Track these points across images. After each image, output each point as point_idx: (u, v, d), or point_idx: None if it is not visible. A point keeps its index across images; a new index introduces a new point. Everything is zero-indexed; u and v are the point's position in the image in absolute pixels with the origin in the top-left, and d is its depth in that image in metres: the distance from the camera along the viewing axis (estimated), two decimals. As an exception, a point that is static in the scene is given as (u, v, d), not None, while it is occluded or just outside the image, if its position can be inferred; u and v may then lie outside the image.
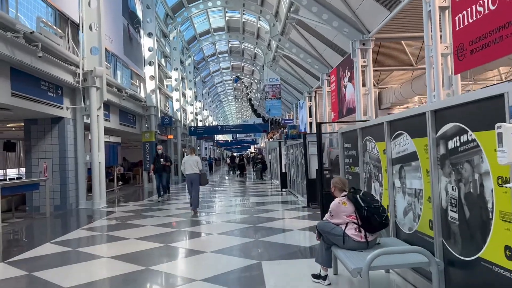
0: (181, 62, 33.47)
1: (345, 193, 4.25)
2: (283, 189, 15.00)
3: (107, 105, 15.64)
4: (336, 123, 25.40)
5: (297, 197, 12.37)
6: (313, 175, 10.42)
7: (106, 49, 15.70)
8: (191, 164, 10.16)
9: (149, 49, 20.74)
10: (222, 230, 7.68)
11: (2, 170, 21.46)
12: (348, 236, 3.96)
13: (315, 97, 32.56)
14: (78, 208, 12.27)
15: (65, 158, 11.99)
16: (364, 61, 18.14)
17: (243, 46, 41.05)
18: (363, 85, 18.51)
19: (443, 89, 11.60)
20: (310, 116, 32.68)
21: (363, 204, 3.93)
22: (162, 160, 13.01)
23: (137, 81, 21.30)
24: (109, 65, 15.74)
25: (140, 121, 20.52)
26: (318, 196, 9.75)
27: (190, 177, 10.18)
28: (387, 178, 4.73)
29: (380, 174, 5.09)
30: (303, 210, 10.05)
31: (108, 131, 16.73)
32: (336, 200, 4.22)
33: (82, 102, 12.40)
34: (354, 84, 19.62)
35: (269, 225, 8.06)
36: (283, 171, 15.34)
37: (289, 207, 10.74)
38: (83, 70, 12.23)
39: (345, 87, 22.12)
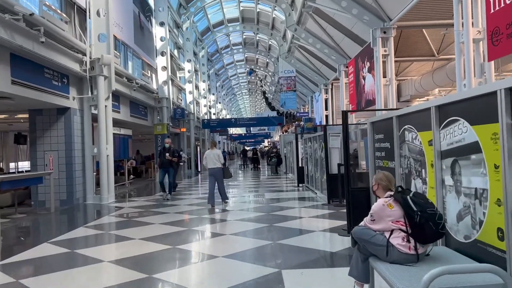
0: (195, 54, 32.80)
1: (391, 192, 3.46)
2: (300, 185, 14.24)
3: (117, 96, 15.06)
4: (354, 116, 24.49)
5: (316, 193, 11.59)
6: (334, 170, 9.62)
7: (115, 37, 15.10)
8: (212, 158, 10.01)
9: (161, 39, 20.08)
10: (235, 230, 6.96)
11: (14, 163, 21.17)
12: (392, 246, 3.18)
13: (332, 89, 31.59)
14: (85, 203, 11.71)
15: (72, 150, 11.41)
16: (385, 50, 17.20)
17: (257, 38, 40.17)
18: (384, 76, 17.63)
19: (474, 78, 10.74)
20: (326, 109, 31.72)
21: (415, 208, 3.13)
22: (168, 154, 11.51)
23: (149, 72, 20.69)
24: (118, 54, 15.13)
25: (152, 113, 19.92)
26: (344, 193, 8.95)
27: (212, 172, 10.07)
28: (434, 175, 3.93)
29: (423, 170, 4.29)
30: (323, 208, 9.28)
31: (118, 123, 16.17)
32: (380, 201, 3.43)
33: (90, 92, 11.78)
34: (374, 75, 18.69)
35: (286, 224, 7.31)
36: (300, 165, 14.55)
37: (307, 204, 9.97)
38: (90, 58, 11.61)
39: (364, 78, 21.17)
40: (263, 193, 12.96)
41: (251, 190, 14.15)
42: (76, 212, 10.40)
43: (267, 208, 9.59)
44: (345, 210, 8.64)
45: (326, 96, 31.64)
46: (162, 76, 19.96)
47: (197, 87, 32.87)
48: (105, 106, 12.04)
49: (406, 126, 4.67)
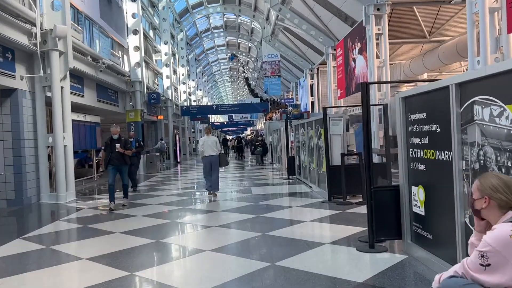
0: (172, 36, 30.67)
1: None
2: (291, 177, 12.65)
3: (80, 78, 13.13)
4: (342, 102, 22.96)
5: (311, 187, 10.01)
6: (336, 161, 8.04)
7: (75, 9, 13.10)
8: (210, 145, 9.49)
9: (133, 16, 18.03)
10: (215, 245, 5.27)
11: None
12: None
13: (318, 74, 30.06)
14: (39, 202, 9.85)
15: (21, 140, 9.49)
16: (378, 29, 15.70)
17: (239, 20, 38.16)
18: (377, 57, 16.17)
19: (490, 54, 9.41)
20: (312, 95, 30.20)
21: None
22: (118, 145, 8.26)
23: (120, 52, 18.67)
24: (80, 28, 13.12)
25: (123, 99, 17.97)
26: (365, 193, 7.37)
27: (210, 159, 9.47)
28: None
29: (518, 166, 2.70)
30: (324, 206, 7.69)
31: (83, 109, 14.25)
32: (504, 229, 1.80)
33: (41, 71, 9.84)
34: (367, 57, 17.17)
35: (283, 233, 5.67)
36: (290, 155, 12.94)
37: (303, 202, 8.36)
38: (41, 29, 9.66)
39: (354, 61, 19.63)
40: (249, 187, 11.31)
41: (234, 184, 12.46)
42: (20, 216, 8.55)
43: (255, 208, 7.94)
44: (352, 210, 7.17)
45: (312, 81, 30.08)
46: (135, 57, 17.97)
47: (175, 72, 30.82)
48: (62, 87, 10.13)
49: (477, 98, 3.06)
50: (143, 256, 4.88)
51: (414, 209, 4.26)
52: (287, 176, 12.86)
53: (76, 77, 12.82)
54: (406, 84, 25.94)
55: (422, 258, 4.08)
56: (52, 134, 9.93)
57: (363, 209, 7.06)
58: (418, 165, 4.11)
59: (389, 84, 15.96)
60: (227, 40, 45.27)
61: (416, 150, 4.12)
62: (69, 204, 9.54)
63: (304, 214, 7.25)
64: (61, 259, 4.92)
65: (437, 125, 3.67)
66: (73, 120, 13.32)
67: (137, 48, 17.99)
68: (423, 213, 4.06)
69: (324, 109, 8.04)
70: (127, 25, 18.14)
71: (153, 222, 6.90)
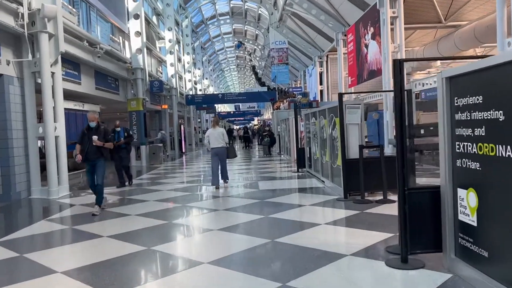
0: (177, 23, 29.71)
1: None
2: (300, 170, 11.81)
3: (77, 64, 12.34)
4: (353, 90, 21.99)
5: (323, 182, 9.16)
6: (353, 153, 7.18)
7: (69, -11, 12.26)
8: (216, 137, 9.33)
9: (134, -1, 17.13)
10: (215, 255, 4.46)
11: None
12: None
13: (327, 61, 29.01)
14: (30, 197, 9.13)
15: (8, 130, 8.74)
16: (393, 12, 14.74)
17: (246, 6, 37.08)
18: (392, 41, 15.21)
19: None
20: (321, 84, 29.19)
21: None
22: (96, 138, 6.67)
23: (121, 38, 17.83)
24: (75, 10, 12.27)
25: (124, 87, 17.16)
26: (385, 190, 6.60)
27: (216, 151, 9.34)
28: None
29: None
30: (340, 205, 6.85)
31: (80, 97, 13.49)
32: None
33: (30, 55, 9.03)
34: (380, 41, 16.17)
35: (295, 240, 4.83)
36: (300, 146, 12.09)
37: (316, 200, 7.51)
38: (29, 9, 8.83)
39: (366, 46, 18.62)
40: (256, 181, 10.49)
41: (240, 178, 11.64)
42: (7, 213, 7.83)
43: (262, 206, 7.13)
44: (373, 210, 6.23)
45: (321, 69, 29.04)
46: (136, 43, 17.09)
47: (180, 60, 29.92)
48: (53, 73, 9.34)
49: None
50: (129, 269, 4.10)
51: (461, 217, 3.41)
52: (296, 169, 12.02)
53: (72, 63, 12.03)
54: (418, 72, 24.90)
55: (473, 279, 3.24)
56: (43, 124, 9.15)
57: (385, 209, 6.23)
58: (468, 163, 3.24)
59: (404, 72, 15.00)
60: (233, 27, 44.20)
61: (466, 143, 3.26)
62: (61, 199, 8.81)
63: (317, 214, 6.41)
64: (34, 272, 4.15)
65: (500, 111, 2.80)
66: (69, 109, 12.64)
67: (138, 34, 17.11)
68: (474, 223, 3.21)
69: (340, 95, 7.15)
70: (127, 9, 17.25)
71: (147, 223, 6.11)
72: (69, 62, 11.85)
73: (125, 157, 10.40)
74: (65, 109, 12.27)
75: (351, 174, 7.12)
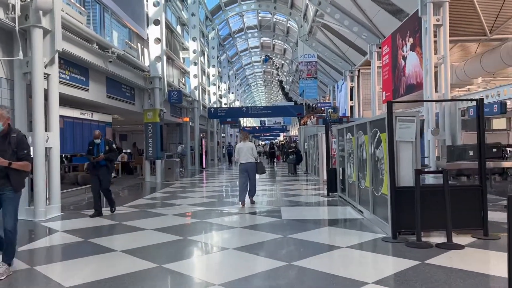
0: (203, 35, 28.79)
1: None
2: (331, 194, 10.12)
3: (85, 68, 11.21)
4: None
5: (361, 212, 7.45)
6: (404, 179, 5.50)
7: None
8: (245, 152, 9.08)
9: (155, 4, 16.06)
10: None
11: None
12: None
13: (359, 76, 27.35)
14: (14, 218, 7.81)
15: (-9, 139, 7.51)
16: (437, 20, 13.06)
17: (274, 19, 35.93)
18: (435, 52, 13.52)
19: None
20: (351, 99, 27.48)
21: None
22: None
23: (139, 45, 16.77)
24: (84, 9, 11.17)
25: (141, 97, 16.00)
26: (450, 229, 4.79)
27: (245, 167, 9.08)
28: None
29: None
30: (387, 250, 5.14)
31: (90, 106, 12.34)
32: None
33: (21, 53, 7.84)
34: (421, 53, 14.48)
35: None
36: (331, 166, 10.41)
37: (355, 240, 5.76)
38: (21, 0, 7.68)
39: (404, 59, 16.89)
40: (278, 207, 8.83)
41: (262, 201, 9.97)
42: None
43: (285, 246, 5.50)
44: (438, 260, 4.33)
45: (352, 84, 27.38)
46: (156, 50, 15.97)
47: (204, 71, 28.84)
48: (47, 75, 8.11)
49: None
50: None
51: None
52: (326, 192, 10.33)
53: (79, 67, 10.90)
54: (458, 89, 22.80)
55: None
56: (32, 133, 7.88)
57: (454, 259, 4.52)
58: None
59: (448, 83, 13.20)
60: (261, 41, 43.14)
61: None
62: (47, 223, 7.44)
63: (359, 265, 4.70)
64: None
65: None
66: (75, 118, 11.46)
67: (158, 40, 15.99)
68: None
69: (390, 104, 5.50)
70: (147, 14, 16.20)
71: (130, 266, 4.60)
72: (76, 66, 10.72)
73: (105, 177, 8.17)
74: (70, 118, 11.17)
75: (403, 207, 5.43)
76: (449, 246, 5.05)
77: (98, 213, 7.98)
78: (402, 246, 5.17)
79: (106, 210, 8.29)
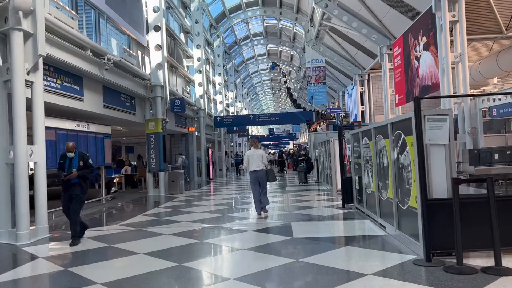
0: (208, 43, 28.17)
1: None
2: (346, 205, 9.19)
3: (78, 77, 10.51)
4: (401, 109, 19.34)
5: (383, 227, 6.52)
6: (438, 191, 4.59)
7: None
8: (255, 159, 8.83)
9: (154, 10, 15.41)
10: None
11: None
12: None
13: (369, 80, 26.45)
14: (-4, 241, 7.05)
15: (-33, 155, 6.77)
16: (453, 16, 12.17)
17: (280, 25, 35.25)
18: (451, 50, 12.64)
19: None
20: (362, 104, 26.53)
21: None
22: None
23: (139, 53, 16.10)
24: (75, 13, 10.49)
25: (143, 106, 15.27)
26: (498, 250, 3.91)
27: (256, 175, 8.83)
28: None
29: None
30: (420, 276, 4.22)
31: (86, 117, 11.63)
32: None
33: (0, 59, 7.12)
34: (436, 52, 13.57)
35: None
36: (347, 174, 9.49)
37: (379, 265, 4.82)
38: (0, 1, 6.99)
39: (417, 59, 15.96)
40: (288, 222, 7.93)
41: (271, 215, 9.06)
42: None
43: (296, 275, 4.60)
44: None
45: (362, 88, 26.46)
46: (156, 57, 15.27)
47: (209, 79, 28.15)
48: (31, 82, 7.38)
49: None
50: None
51: None
52: (341, 204, 9.39)
53: (72, 75, 10.19)
54: (473, 90, 21.73)
55: None
56: (12, 146, 7.12)
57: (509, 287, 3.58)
58: None
59: (467, 82, 12.23)
60: (267, 48, 42.50)
61: None
62: (29, 247, 6.62)
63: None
64: None
65: None
66: (70, 130, 10.73)
67: (159, 47, 15.30)
68: None
69: (418, 100, 4.60)
70: (147, 20, 15.55)
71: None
72: (68, 74, 10.01)
73: (77, 198, 6.82)
74: (64, 129, 10.44)
75: (437, 222, 4.51)
76: (498, 271, 4.11)
77: (75, 240, 6.61)
78: (439, 271, 4.24)
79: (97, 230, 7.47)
